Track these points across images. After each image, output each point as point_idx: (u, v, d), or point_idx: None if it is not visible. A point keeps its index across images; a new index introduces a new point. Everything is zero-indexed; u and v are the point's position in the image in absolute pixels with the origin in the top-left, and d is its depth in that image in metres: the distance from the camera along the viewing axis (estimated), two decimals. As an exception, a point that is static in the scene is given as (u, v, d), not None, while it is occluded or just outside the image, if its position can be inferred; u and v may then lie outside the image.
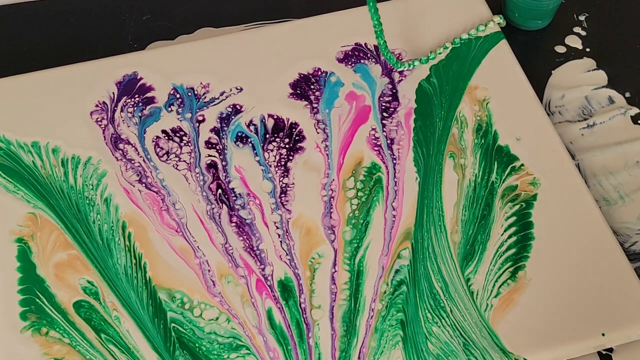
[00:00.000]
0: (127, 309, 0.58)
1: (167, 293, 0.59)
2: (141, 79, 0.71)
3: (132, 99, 0.69)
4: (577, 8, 0.78)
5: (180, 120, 0.68)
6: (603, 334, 0.56)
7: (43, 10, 0.79)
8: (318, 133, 0.67)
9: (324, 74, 0.71)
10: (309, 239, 0.61)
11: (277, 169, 0.65)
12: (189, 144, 0.67)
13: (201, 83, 0.70)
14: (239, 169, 0.65)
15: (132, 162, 0.66)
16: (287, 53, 0.72)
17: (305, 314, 0.58)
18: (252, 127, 0.68)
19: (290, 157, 0.66)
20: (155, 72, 0.71)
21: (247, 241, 0.61)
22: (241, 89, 0.70)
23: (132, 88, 0.70)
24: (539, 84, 0.72)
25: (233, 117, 0.68)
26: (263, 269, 0.60)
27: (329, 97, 0.69)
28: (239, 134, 0.67)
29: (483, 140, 0.66)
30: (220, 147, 0.66)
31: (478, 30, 0.73)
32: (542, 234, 0.61)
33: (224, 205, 0.63)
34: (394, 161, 0.65)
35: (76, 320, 0.57)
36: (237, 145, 0.67)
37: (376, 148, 0.66)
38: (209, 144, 0.67)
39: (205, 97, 0.69)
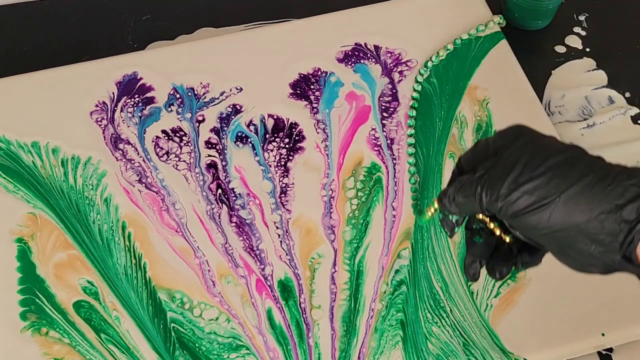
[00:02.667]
0: (127, 309, 0.58)
1: (167, 293, 0.59)
2: (141, 79, 0.71)
3: (132, 99, 0.69)
4: (577, 8, 0.78)
5: (180, 120, 0.68)
6: (603, 334, 0.56)
7: (43, 10, 0.79)
8: (318, 133, 0.67)
9: (324, 74, 0.71)
10: (309, 239, 0.61)
11: (277, 169, 0.65)
12: (189, 144, 0.67)
13: (201, 83, 0.70)
14: (239, 169, 0.65)
15: (132, 162, 0.66)
16: (287, 53, 0.72)
17: (305, 314, 0.58)
18: (252, 127, 0.68)
19: (290, 157, 0.66)
20: (155, 72, 0.71)
21: (247, 241, 0.61)
22: (241, 89, 0.70)
23: (132, 88, 0.70)
24: (539, 84, 0.72)
25: (233, 117, 0.68)
26: (263, 269, 0.60)
27: (329, 97, 0.69)
28: (239, 134, 0.67)
29: (483, 140, 0.66)
30: (220, 147, 0.66)
31: (478, 30, 0.73)
32: (542, 234, 0.61)
33: (224, 205, 0.63)
34: (394, 161, 0.66)
35: (76, 320, 0.57)
36: (237, 145, 0.67)
37: (376, 148, 0.66)
38: (209, 144, 0.67)
39: (205, 97, 0.69)
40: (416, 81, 0.70)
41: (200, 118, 0.68)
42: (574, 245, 0.42)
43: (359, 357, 0.56)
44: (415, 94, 0.69)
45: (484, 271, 0.55)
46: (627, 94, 0.72)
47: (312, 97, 0.69)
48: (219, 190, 0.64)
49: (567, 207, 0.41)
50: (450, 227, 0.48)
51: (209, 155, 0.66)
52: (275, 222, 0.62)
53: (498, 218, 0.45)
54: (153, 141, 0.67)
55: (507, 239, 0.47)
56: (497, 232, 0.47)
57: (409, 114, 0.67)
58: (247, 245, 0.61)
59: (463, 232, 0.50)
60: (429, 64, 0.71)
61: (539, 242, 0.44)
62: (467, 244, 0.49)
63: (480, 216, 0.47)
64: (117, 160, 0.66)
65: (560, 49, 0.75)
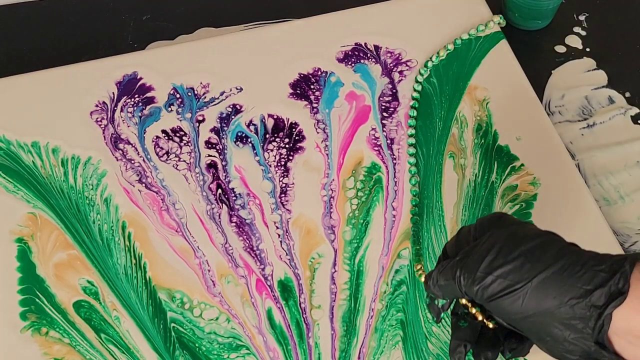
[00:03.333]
0: (127, 309, 0.58)
1: (167, 293, 0.59)
2: (141, 79, 0.71)
3: (132, 99, 0.69)
4: (577, 8, 0.78)
5: (180, 120, 0.68)
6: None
7: (43, 10, 0.79)
8: (318, 133, 0.67)
9: (324, 74, 0.71)
10: (309, 239, 0.61)
11: (277, 169, 0.65)
12: (189, 144, 0.67)
13: (201, 83, 0.70)
14: (239, 169, 0.65)
15: (132, 162, 0.66)
16: (287, 53, 0.72)
17: (305, 314, 0.58)
18: (252, 127, 0.68)
19: (290, 157, 0.66)
20: (155, 72, 0.71)
21: (247, 241, 0.61)
22: (241, 89, 0.70)
23: (132, 88, 0.70)
24: (539, 84, 0.72)
25: (233, 117, 0.68)
26: (263, 269, 0.60)
27: (329, 97, 0.69)
28: (239, 134, 0.67)
29: (483, 140, 0.66)
30: (220, 147, 0.67)
31: (478, 30, 0.73)
32: (542, 234, 0.61)
33: (224, 205, 0.63)
34: (394, 161, 0.66)
35: (76, 320, 0.57)
36: (237, 145, 0.67)
37: (376, 148, 0.66)
38: (209, 144, 0.67)
39: (205, 97, 0.69)
40: (416, 81, 0.70)
41: (200, 118, 0.68)
42: (548, 330, 0.43)
43: (359, 357, 0.56)
44: (415, 94, 0.69)
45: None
46: (627, 94, 0.72)
47: (312, 97, 0.69)
48: (219, 190, 0.64)
49: (538, 291, 0.42)
50: (437, 312, 0.51)
51: (209, 155, 0.66)
52: (275, 222, 0.62)
53: (476, 302, 0.46)
54: (153, 141, 0.67)
55: (490, 325, 0.48)
56: (479, 317, 0.48)
57: (409, 113, 0.67)
58: (247, 245, 0.61)
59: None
60: (429, 64, 0.71)
61: (518, 328, 0.45)
62: (452, 329, 0.50)
63: (463, 301, 0.48)
64: (117, 160, 0.66)
65: (560, 49, 0.75)
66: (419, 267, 0.58)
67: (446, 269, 0.47)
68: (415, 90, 0.69)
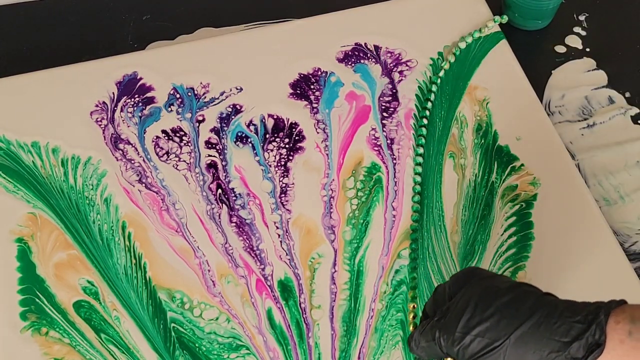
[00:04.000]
0: (127, 309, 0.58)
1: (167, 293, 0.59)
2: (141, 79, 0.71)
3: (132, 99, 0.69)
4: (577, 8, 0.78)
5: (180, 120, 0.68)
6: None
7: (43, 10, 0.79)
8: (318, 133, 0.67)
9: (324, 74, 0.71)
10: (309, 239, 0.61)
11: (277, 169, 0.65)
12: (189, 144, 0.67)
13: (201, 83, 0.70)
14: (239, 169, 0.65)
15: (132, 162, 0.66)
16: (287, 53, 0.72)
17: (305, 314, 0.58)
18: (252, 127, 0.68)
19: (290, 157, 0.66)
20: (155, 72, 0.71)
21: (247, 241, 0.61)
22: (241, 89, 0.70)
23: (132, 88, 0.70)
24: (539, 84, 0.72)
25: (233, 117, 0.68)
26: (263, 269, 0.60)
27: (329, 97, 0.69)
28: (239, 134, 0.67)
29: (483, 140, 0.66)
30: (220, 147, 0.66)
31: (478, 31, 0.73)
32: (542, 234, 0.61)
33: (224, 205, 0.63)
34: (394, 161, 0.65)
35: (76, 320, 0.57)
36: (237, 145, 0.67)
37: (376, 148, 0.66)
38: (209, 144, 0.67)
39: (205, 97, 0.69)
40: (430, 90, 0.69)
41: (200, 118, 0.68)
42: None
43: (359, 357, 0.56)
44: (429, 105, 0.68)
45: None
46: (627, 94, 0.72)
47: (312, 97, 0.69)
48: (219, 190, 0.64)
49: (518, 347, 0.42)
50: None
51: (209, 155, 0.66)
52: (275, 222, 0.62)
53: None
54: (153, 141, 0.67)
55: None
56: None
57: (419, 123, 0.67)
58: (247, 245, 0.61)
59: None
60: (441, 73, 0.70)
61: None
62: None
63: (449, 358, 0.47)
64: (117, 160, 0.66)
65: (560, 49, 0.75)
66: (412, 306, 0.58)
67: (426, 330, 0.46)
68: (427, 99, 0.68)
